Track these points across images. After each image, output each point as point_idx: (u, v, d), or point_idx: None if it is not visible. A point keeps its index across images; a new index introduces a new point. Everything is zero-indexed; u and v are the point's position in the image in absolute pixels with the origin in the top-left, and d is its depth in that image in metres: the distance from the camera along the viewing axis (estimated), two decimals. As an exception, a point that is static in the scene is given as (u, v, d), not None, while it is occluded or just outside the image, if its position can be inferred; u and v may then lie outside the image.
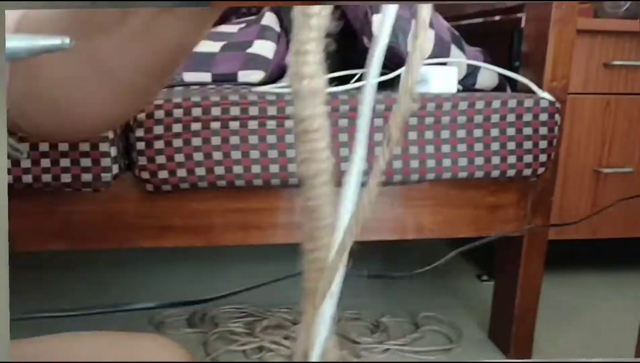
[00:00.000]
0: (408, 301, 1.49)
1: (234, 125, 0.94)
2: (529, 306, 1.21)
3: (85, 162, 0.90)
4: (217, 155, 0.94)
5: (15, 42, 0.18)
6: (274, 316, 1.34)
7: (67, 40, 0.19)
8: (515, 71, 1.19)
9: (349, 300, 1.42)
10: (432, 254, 1.79)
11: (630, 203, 1.41)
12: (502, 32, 1.41)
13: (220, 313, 1.36)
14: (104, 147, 0.90)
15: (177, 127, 0.92)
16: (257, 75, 1.15)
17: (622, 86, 1.49)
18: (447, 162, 1.01)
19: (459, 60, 1.14)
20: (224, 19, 1.45)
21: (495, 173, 1.03)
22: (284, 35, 1.23)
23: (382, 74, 1.08)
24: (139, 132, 0.92)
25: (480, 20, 1.49)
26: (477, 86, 1.23)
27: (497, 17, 1.43)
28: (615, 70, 1.48)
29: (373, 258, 1.75)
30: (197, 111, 0.93)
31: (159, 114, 0.91)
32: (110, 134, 0.91)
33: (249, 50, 1.16)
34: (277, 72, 1.20)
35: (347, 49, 1.26)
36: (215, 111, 0.93)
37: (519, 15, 1.32)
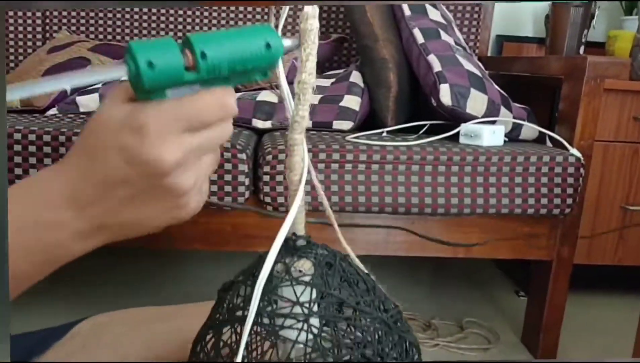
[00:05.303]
0: (455, 307, 1.77)
1: (335, 166, 1.27)
2: (555, 319, 1.46)
3: (227, 188, 1.26)
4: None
5: None
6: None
7: None
8: (555, 123, 1.48)
9: (407, 304, 1.74)
10: (476, 271, 2.10)
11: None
12: (546, 89, 1.69)
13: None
14: (241, 178, 1.25)
15: (293, 166, 1.26)
16: (347, 124, 1.47)
17: (650, 136, 1.75)
18: (493, 201, 1.31)
19: (506, 119, 1.44)
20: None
21: (531, 211, 1.32)
22: (367, 91, 1.55)
23: (449, 128, 1.39)
24: (266, 169, 1.26)
25: (528, 74, 1.77)
26: (521, 138, 1.52)
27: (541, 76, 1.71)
28: (644, 123, 1.74)
29: (431, 270, 2.06)
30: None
31: (282, 156, 1.26)
32: (246, 168, 1.25)
33: (341, 103, 1.48)
34: (362, 121, 1.52)
35: (418, 105, 1.57)
36: (322, 155, 1.27)
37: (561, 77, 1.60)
